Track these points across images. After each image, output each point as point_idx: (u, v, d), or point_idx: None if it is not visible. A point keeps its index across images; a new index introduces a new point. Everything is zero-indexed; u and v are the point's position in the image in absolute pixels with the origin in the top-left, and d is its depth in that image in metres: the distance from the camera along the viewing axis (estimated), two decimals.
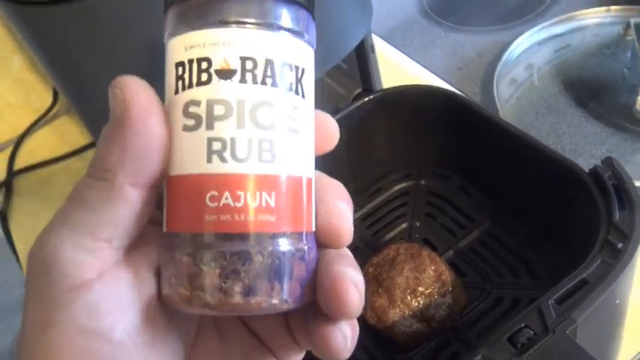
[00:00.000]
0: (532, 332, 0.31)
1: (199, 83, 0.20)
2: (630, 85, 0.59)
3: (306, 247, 0.21)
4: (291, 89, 0.21)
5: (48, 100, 0.76)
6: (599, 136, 0.58)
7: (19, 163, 0.73)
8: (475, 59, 0.71)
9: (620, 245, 0.34)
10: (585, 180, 0.38)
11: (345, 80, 0.60)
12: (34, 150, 0.74)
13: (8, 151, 0.73)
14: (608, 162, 0.37)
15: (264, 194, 0.20)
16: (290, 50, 0.21)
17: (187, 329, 0.23)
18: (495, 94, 0.64)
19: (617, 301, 0.34)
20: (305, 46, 0.21)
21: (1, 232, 0.67)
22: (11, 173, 0.72)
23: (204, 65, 0.20)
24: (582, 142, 0.58)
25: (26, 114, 0.75)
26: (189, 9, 0.20)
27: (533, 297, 0.41)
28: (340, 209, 0.22)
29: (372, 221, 0.53)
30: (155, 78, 0.41)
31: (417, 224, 0.52)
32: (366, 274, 0.46)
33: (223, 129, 0.20)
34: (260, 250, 0.20)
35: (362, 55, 0.56)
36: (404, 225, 0.52)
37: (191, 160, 0.20)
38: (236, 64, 0.20)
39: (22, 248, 0.66)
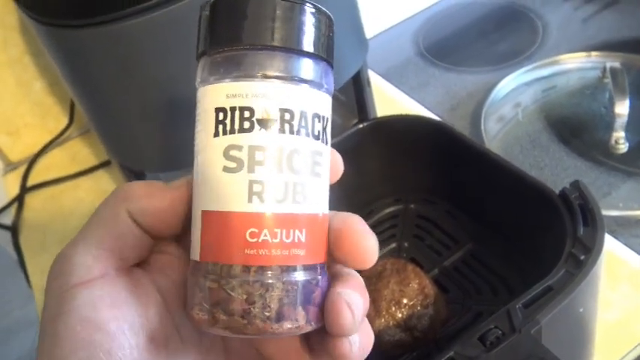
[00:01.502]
0: (500, 332, 0.34)
1: (241, 130, 0.22)
2: (606, 123, 0.63)
3: (322, 276, 0.23)
4: (318, 138, 0.23)
5: (63, 122, 0.80)
6: (579, 169, 0.62)
7: (32, 180, 0.77)
8: (466, 97, 0.75)
9: (582, 257, 0.37)
10: (555, 200, 0.42)
11: (342, 111, 0.64)
12: (47, 168, 0.78)
13: (23, 169, 0.78)
14: (576, 184, 0.41)
15: (297, 231, 0.22)
16: (318, 102, 0.23)
17: (197, 348, 0.25)
18: (483, 129, 0.68)
19: (581, 310, 0.37)
20: (327, 97, 0.23)
21: (3, 253, 0.70)
22: (24, 189, 0.76)
23: (246, 114, 0.22)
24: (563, 175, 0.62)
25: (42, 135, 0.79)
26: (232, 60, 0.22)
27: None
28: (367, 237, 0.24)
29: None
30: (173, 98, 0.45)
31: (406, 244, 0.55)
32: None
33: (263, 173, 0.22)
34: (287, 280, 0.22)
35: (359, 88, 0.60)
36: (393, 245, 0.55)
37: (232, 199, 0.22)
38: (276, 115, 0.22)
39: (30, 261, 0.68)
